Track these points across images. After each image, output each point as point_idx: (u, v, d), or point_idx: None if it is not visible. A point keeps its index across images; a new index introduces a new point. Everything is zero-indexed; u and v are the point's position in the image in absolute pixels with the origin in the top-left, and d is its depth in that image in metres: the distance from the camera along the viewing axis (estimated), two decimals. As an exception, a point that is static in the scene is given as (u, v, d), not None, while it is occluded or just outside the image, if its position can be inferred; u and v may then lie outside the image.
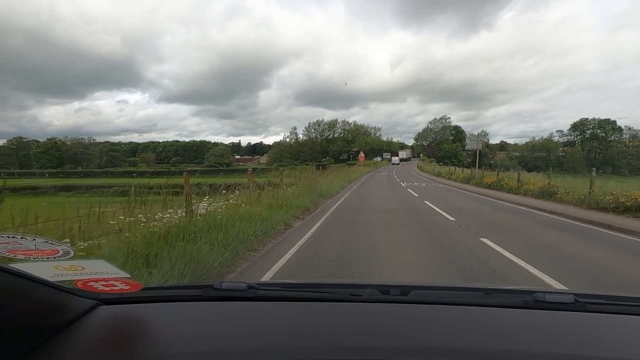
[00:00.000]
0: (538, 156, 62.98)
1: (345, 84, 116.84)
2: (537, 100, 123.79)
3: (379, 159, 63.22)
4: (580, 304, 0.81)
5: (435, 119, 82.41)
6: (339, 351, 0.63)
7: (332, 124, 67.37)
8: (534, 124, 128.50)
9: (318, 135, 65.54)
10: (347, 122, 70.73)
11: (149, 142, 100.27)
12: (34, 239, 0.66)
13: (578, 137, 66.39)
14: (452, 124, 77.78)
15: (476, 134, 79.70)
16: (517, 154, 68.75)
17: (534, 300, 0.82)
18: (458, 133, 76.92)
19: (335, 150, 64.49)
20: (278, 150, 67.45)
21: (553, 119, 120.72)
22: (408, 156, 76.38)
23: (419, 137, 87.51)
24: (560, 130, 67.93)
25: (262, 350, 0.63)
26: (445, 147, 65.07)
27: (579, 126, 66.76)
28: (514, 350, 0.65)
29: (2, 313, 0.54)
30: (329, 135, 70.84)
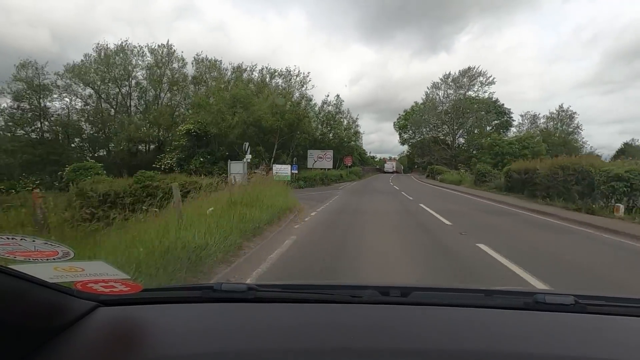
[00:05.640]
0: None
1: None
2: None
3: (290, 169, 22.67)
4: (580, 305, 0.97)
5: (449, 75, 42.79)
6: (339, 353, 0.76)
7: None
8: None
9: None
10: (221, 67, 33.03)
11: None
12: (34, 240, 0.79)
13: None
14: (493, 94, 41.75)
15: (546, 114, 44.66)
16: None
17: (534, 302, 0.98)
18: (501, 114, 42.42)
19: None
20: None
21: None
22: (394, 169, 61.60)
23: (408, 118, 51.53)
24: None
25: (262, 352, 0.77)
26: (497, 143, 30.86)
27: None
28: (514, 352, 0.79)
29: (1, 314, 0.65)
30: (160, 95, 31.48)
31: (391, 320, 0.92)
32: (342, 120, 38.15)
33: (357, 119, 41.04)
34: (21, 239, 0.78)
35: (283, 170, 21.60)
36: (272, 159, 24.52)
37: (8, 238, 0.77)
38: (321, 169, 29.45)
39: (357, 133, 42.22)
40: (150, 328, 0.87)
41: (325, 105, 37.24)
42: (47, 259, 0.80)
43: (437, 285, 1.31)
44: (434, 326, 0.91)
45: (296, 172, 23.37)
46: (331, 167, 31.52)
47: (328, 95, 50.64)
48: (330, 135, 36.50)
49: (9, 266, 0.72)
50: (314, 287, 1.13)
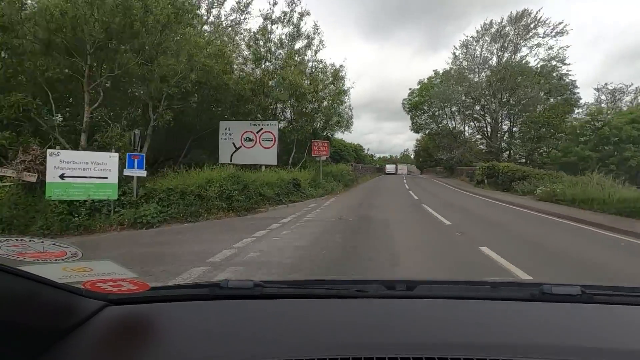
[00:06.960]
0: None
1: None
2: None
3: (123, 167, 9.12)
4: (587, 295, 1.11)
5: (491, 25, 34.14)
6: (346, 347, 0.87)
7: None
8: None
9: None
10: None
11: None
12: (42, 241, 0.94)
13: None
14: (565, 52, 32.31)
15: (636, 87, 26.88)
16: None
17: (541, 293, 1.12)
18: (562, 86, 33.30)
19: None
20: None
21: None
22: (397, 171, 61.75)
23: (423, 94, 45.06)
24: None
25: (269, 348, 0.88)
26: (606, 122, 23.38)
27: None
28: (522, 343, 0.90)
29: (11, 316, 0.77)
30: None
31: (397, 314, 1.07)
32: (304, 51, 20.50)
33: (342, 66, 23.24)
34: (30, 240, 0.94)
35: (89, 169, 8.81)
36: (82, 135, 10.59)
37: (17, 239, 0.93)
38: (248, 166, 15.68)
39: (340, 87, 22.70)
40: (159, 326, 1.01)
41: (269, 24, 20.20)
42: (56, 260, 0.96)
43: (442, 279, 1.42)
44: (440, 319, 1.05)
45: (143, 173, 9.77)
46: (275, 161, 17.10)
47: (276, 3, 21.71)
48: (276, 90, 19.02)
49: (18, 267, 0.85)
50: (320, 283, 1.29)
